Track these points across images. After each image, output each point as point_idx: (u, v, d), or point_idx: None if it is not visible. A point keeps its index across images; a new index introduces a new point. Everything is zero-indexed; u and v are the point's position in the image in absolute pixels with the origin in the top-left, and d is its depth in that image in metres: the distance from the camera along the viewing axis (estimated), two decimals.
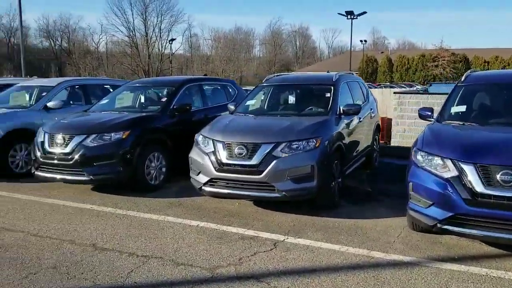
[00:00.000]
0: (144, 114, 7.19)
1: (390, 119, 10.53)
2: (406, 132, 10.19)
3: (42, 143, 6.58)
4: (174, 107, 7.27)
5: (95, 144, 6.29)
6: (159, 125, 6.99)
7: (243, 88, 11.11)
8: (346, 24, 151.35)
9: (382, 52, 69.28)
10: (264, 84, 7.38)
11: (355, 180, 7.14)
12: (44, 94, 8.45)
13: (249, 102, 7.07)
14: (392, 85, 40.93)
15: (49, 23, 77.81)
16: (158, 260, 4.15)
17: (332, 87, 6.49)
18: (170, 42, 65.37)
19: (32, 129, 7.54)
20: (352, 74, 8.07)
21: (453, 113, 5.28)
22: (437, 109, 5.49)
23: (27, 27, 72.79)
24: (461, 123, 5.00)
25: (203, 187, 5.58)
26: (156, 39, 69.23)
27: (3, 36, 77.11)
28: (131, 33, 67.44)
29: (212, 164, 5.43)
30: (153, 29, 68.87)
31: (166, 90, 8.03)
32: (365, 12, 43.27)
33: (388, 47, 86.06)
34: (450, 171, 4.10)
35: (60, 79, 9.34)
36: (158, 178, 6.82)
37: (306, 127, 5.53)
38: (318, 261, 4.12)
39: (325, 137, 5.44)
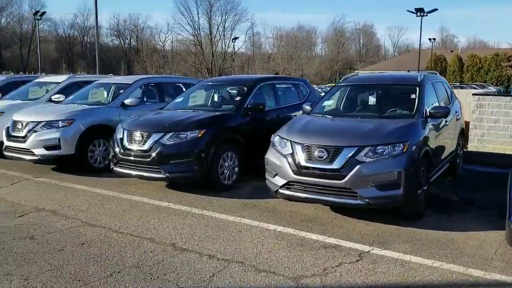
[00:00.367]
0: (218, 113, 7.16)
1: (468, 122, 9.88)
2: (484, 136, 9.55)
3: (121, 139, 6.69)
4: (248, 106, 7.17)
5: (172, 142, 6.31)
6: (233, 125, 6.92)
7: None
8: (413, 22, 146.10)
9: (451, 51, 65.86)
10: (342, 84, 7.09)
11: (438, 188, 6.67)
12: (121, 91, 8.66)
13: (326, 103, 6.80)
14: (462, 85, 38.91)
15: (119, 22, 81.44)
16: (239, 265, 4.03)
17: (418, 88, 6.07)
18: (233, 40, 66.22)
19: (110, 125, 7.75)
20: (436, 74, 7.57)
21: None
22: None
23: (100, 26, 76.41)
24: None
25: (279, 190, 5.38)
26: (220, 37, 70.73)
27: (77, 35, 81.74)
28: (196, 32, 69.42)
29: (290, 167, 5.22)
30: (217, 28, 70.37)
31: (239, 89, 7.95)
32: (436, 9, 41.35)
33: (458, 45, 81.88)
34: None
35: (136, 77, 9.56)
36: (231, 178, 6.75)
37: (392, 130, 5.19)
38: (411, 276, 3.81)
39: (413, 142, 5.08)
